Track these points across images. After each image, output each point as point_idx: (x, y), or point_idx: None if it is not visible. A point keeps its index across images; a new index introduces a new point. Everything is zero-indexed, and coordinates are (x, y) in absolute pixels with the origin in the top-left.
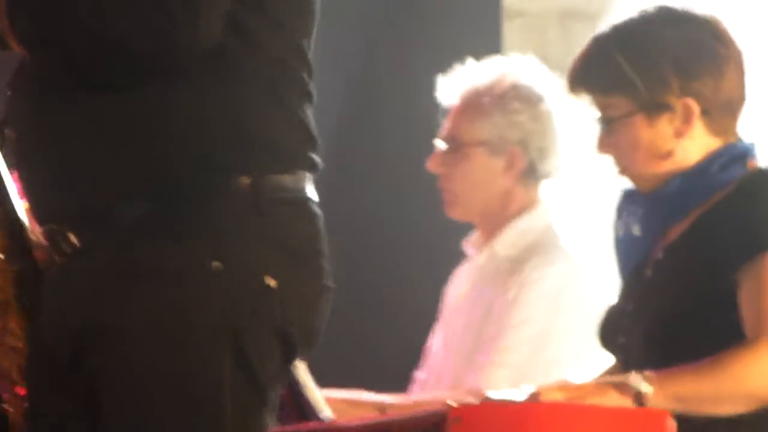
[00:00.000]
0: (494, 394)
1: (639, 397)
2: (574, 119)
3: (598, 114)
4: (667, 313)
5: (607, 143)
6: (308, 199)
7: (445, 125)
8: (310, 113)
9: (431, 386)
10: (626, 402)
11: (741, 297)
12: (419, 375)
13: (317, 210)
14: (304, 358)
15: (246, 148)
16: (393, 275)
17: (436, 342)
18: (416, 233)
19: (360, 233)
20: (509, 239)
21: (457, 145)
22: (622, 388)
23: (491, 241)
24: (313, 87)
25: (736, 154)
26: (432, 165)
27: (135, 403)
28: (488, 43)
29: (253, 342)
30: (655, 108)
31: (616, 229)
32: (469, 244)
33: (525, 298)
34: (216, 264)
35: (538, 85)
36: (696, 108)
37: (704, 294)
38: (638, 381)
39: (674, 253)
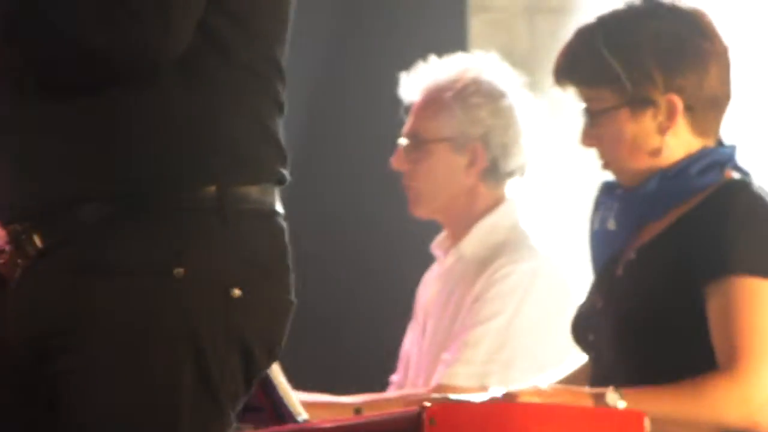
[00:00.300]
0: (468, 396)
1: None
2: (538, 115)
3: (583, 106)
4: (634, 314)
5: (591, 136)
6: (275, 212)
7: (408, 122)
8: (280, 125)
9: (405, 389)
10: None
11: (710, 316)
12: (393, 378)
13: (283, 224)
14: (279, 362)
15: (213, 157)
16: (366, 279)
17: (409, 345)
18: (388, 237)
19: (331, 238)
20: (476, 239)
21: (419, 142)
22: (598, 401)
23: (458, 242)
24: (284, 97)
25: (716, 160)
26: (396, 162)
27: (94, 402)
28: (454, 39)
29: (213, 350)
30: (639, 103)
31: (592, 222)
32: (437, 247)
33: (492, 296)
34: (179, 270)
35: (500, 81)
36: (680, 104)
37: (671, 300)
38: (614, 398)
39: (645, 255)
